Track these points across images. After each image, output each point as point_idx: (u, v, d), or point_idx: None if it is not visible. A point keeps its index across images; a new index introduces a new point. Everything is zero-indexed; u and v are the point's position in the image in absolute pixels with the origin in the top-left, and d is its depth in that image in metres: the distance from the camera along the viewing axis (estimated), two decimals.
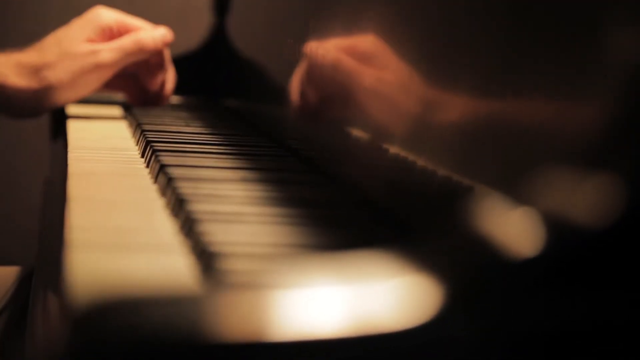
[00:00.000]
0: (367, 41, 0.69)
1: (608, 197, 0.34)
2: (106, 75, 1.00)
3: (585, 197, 0.34)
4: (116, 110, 1.17)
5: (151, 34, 1.03)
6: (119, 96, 1.17)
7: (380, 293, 0.33)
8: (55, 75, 0.97)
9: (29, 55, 0.98)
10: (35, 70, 0.97)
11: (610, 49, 0.40)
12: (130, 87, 1.09)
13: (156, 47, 1.03)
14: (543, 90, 0.46)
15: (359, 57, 0.71)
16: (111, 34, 1.02)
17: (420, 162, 0.57)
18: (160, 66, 1.07)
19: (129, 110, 1.13)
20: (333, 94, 0.76)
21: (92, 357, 0.31)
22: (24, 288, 0.95)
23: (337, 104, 0.75)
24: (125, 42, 1.01)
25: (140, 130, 0.92)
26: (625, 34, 0.39)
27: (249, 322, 0.32)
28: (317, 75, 0.80)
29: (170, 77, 1.09)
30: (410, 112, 0.60)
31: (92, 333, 0.32)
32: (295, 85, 0.87)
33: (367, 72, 0.69)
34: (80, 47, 0.99)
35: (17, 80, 0.97)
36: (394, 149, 0.62)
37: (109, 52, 1.00)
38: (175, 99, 1.24)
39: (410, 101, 0.60)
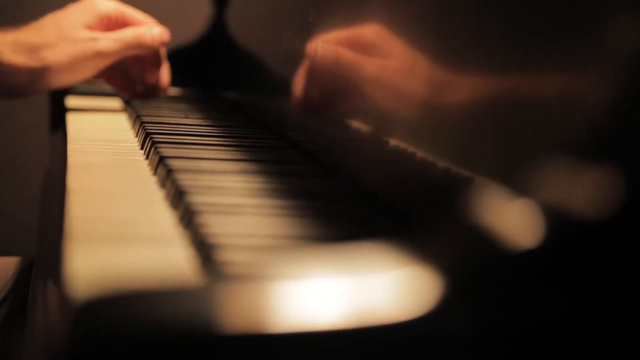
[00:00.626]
0: (371, 31, 0.69)
1: (608, 188, 0.34)
2: (102, 64, 1.00)
3: (586, 189, 0.34)
4: (115, 103, 1.17)
5: (151, 32, 1.03)
6: None
7: (379, 285, 0.33)
8: (54, 56, 0.97)
9: (27, 34, 0.98)
10: (33, 49, 0.97)
11: (611, 40, 0.40)
12: (118, 80, 1.09)
13: (154, 45, 1.04)
14: (543, 81, 0.46)
15: (362, 48, 0.70)
16: (109, 23, 1.02)
17: (420, 154, 0.57)
18: (156, 62, 1.07)
19: (129, 102, 1.13)
20: (337, 90, 0.76)
21: (92, 348, 0.31)
22: (24, 279, 0.95)
23: (341, 99, 0.75)
24: (125, 35, 1.01)
25: (139, 122, 0.92)
26: (626, 25, 0.39)
27: (248, 313, 0.32)
28: (321, 74, 0.80)
29: (165, 72, 1.09)
30: (412, 103, 0.60)
31: (91, 325, 0.32)
32: (299, 83, 0.86)
33: (369, 64, 0.68)
34: (80, 32, 0.99)
35: (13, 57, 0.97)
36: (394, 141, 0.62)
37: (109, 41, 1.00)
38: (174, 91, 1.24)
39: (413, 92, 0.60)
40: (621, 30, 0.39)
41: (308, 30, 0.84)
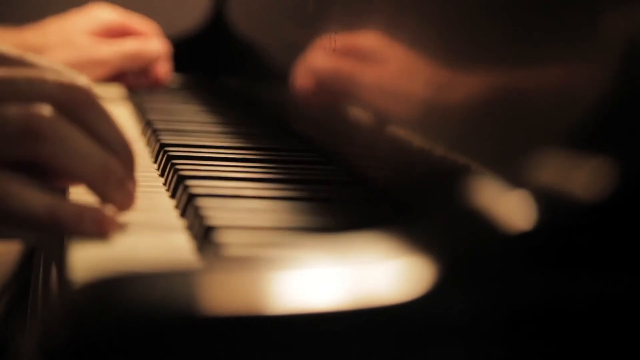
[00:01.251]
0: (370, 37, 0.69)
1: (605, 174, 0.34)
2: (100, 72, 1.01)
3: (582, 174, 0.35)
4: (118, 90, 1.17)
5: (154, 47, 1.04)
6: None
7: (377, 271, 0.33)
8: (53, 59, 0.97)
9: (29, 35, 0.99)
10: (34, 50, 0.97)
11: (607, 30, 0.40)
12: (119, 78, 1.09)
13: (152, 58, 1.04)
14: (539, 70, 0.46)
15: (362, 54, 0.70)
16: (111, 31, 1.03)
17: (417, 142, 0.58)
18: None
19: (130, 90, 1.14)
20: (336, 87, 0.76)
21: (92, 332, 0.32)
22: (26, 264, 0.95)
23: (341, 94, 0.75)
24: (128, 47, 1.02)
25: (140, 109, 0.92)
26: (622, 15, 0.40)
27: (246, 295, 0.32)
28: (321, 72, 0.80)
29: (166, 67, 1.10)
30: (412, 99, 0.60)
31: (92, 309, 0.32)
32: (299, 76, 0.86)
33: (369, 71, 0.68)
34: (82, 38, 0.99)
35: None
36: (392, 129, 0.62)
37: (109, 51, 1.00)
38: (174, 79, 1.24)
39: (413, 89, 0.60)
40: (618, 20, 0.40)
41: (307, 20, 0.84)
